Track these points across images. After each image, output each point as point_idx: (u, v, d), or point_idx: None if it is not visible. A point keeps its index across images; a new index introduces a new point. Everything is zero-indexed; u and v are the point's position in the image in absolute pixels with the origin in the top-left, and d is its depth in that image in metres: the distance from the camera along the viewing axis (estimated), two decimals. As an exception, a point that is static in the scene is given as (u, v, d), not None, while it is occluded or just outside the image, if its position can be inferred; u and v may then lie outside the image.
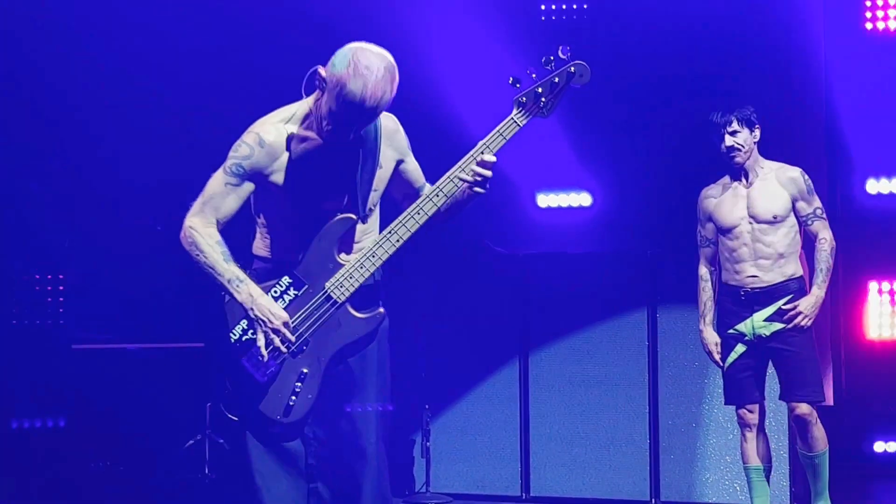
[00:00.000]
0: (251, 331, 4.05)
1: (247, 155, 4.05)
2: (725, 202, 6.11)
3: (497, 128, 4.14)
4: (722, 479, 7.19)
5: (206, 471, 8.02)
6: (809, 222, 6.02)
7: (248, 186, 4.10)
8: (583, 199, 9.25)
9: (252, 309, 4.01)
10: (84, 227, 8.62)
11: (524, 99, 4.14)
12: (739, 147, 6.00)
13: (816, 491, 6.17)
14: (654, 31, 8.81)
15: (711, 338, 6.18)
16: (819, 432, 6.08)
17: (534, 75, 4.15)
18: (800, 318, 5.93)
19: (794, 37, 8.82)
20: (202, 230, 4.06)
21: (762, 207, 6.00)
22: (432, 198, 4.12)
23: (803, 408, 6.03)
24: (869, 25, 8.77)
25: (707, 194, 6.22)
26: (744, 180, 6.09)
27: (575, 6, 9.42)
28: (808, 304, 5.95)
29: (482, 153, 4.10)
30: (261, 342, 4.02)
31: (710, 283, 6.24)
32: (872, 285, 8.64)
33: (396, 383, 7.62)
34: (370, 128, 4.14)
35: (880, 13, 8.75)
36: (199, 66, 8.59)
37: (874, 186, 8.60)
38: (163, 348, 8.64)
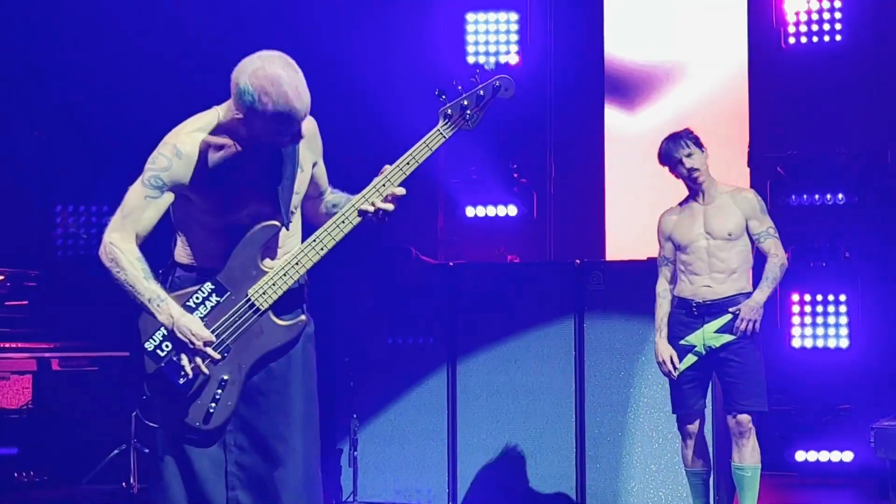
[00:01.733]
0: (168, 343, 3.99)
1: (165, 167, 3.97)
2: (683, 222, 6.33)
3: (423, 139, 4.14)
4: (647, 487, 7.25)
5: (132, 481, 7.94)
6: (762, 240, 6.26)
7: (168, 198, 4.02)
8: (510, 209, 9.32)
9: (173, 330, 3.95)
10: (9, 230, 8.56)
11: (450, 111, 4.15)
12: (699, 167, 6.24)
13: None
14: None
15: (666, 350, 6.27)
16: (755, 445, 6.23)
17: (459, 87, 4.17)
18: (742, 323, 6.11)
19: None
20: (122, 246, 3.96)
21: (718, 225, 6.22)
22: (358, 207, 4.13)
23: (743, 418, 6.19)
24: (792, 40, 8.93)
25: (666, 217, 6.44)
26: (700, 199, 6.32)
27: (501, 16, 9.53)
28: (747, 308, 6.13)
29: (392, 186, 4.09)
30: (183, 361, 3.97)
31: (667, 301, 6.39)
32: (795, 296, 8.80)
33: (324, 393, 7.62)
34: None
35: (803, 27, 8.92)
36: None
37: (796, 199, 8.74)
38: (87, 357, 8.56)
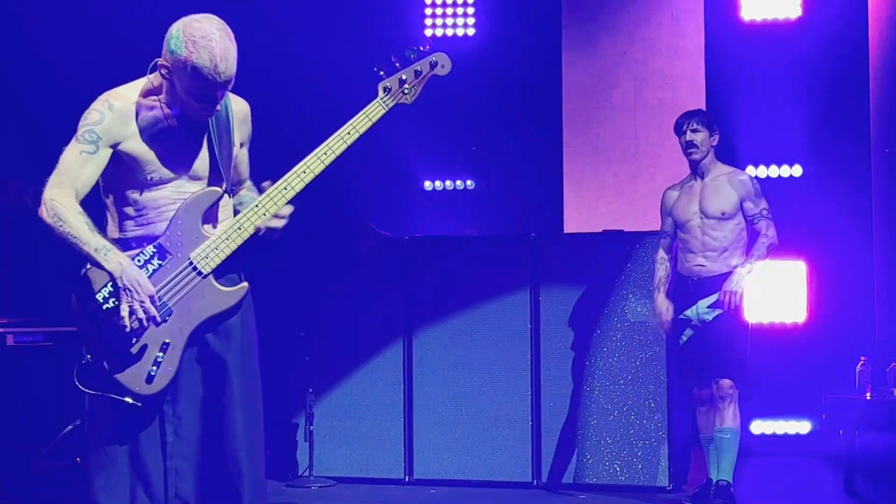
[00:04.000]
0: (112, 299, 3.98)
1: (97, 120, 4.00)
2: (682, 199, 6.72)
3: (364, 110, 4.26)
4: (602, 460, 7.28)
5: (86, 457, 7.89)
6: (755, 221, 6.60)
7: (104, 154, 4.02)
8: (468, 182, 9.31)
9: (121, 277, 3.92)
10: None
11: (389, 84, 4.30)
12: (697, 145, 6.61)
13: (722, 468, 6.59)
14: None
15: (664, 303, 6.72)
16: (735, 410, 6.57)
17: (397, 64, 4.33)
18: (724, 296, 6.46)
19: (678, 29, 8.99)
20: (64, 201, 3.94)
21: (712, 205, 6.58)
22: (300, 175, 4.17)
23: (725, 383, 6.53)
24: (746, 16, 8.94)
25: (668, 192, 6.85)
26: (699, 179, 6.68)
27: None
28: (730, 283, 6.48)
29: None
30: (124, 312, 3.94)
31: (664, 265, 6.81)
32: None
33: (280, 368, 7.61)
34: (221, 104, 4.13)
35: (760, 2, 8.92)
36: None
37: (753, 173, 8.76)
38: (42, 332, 8.49)
